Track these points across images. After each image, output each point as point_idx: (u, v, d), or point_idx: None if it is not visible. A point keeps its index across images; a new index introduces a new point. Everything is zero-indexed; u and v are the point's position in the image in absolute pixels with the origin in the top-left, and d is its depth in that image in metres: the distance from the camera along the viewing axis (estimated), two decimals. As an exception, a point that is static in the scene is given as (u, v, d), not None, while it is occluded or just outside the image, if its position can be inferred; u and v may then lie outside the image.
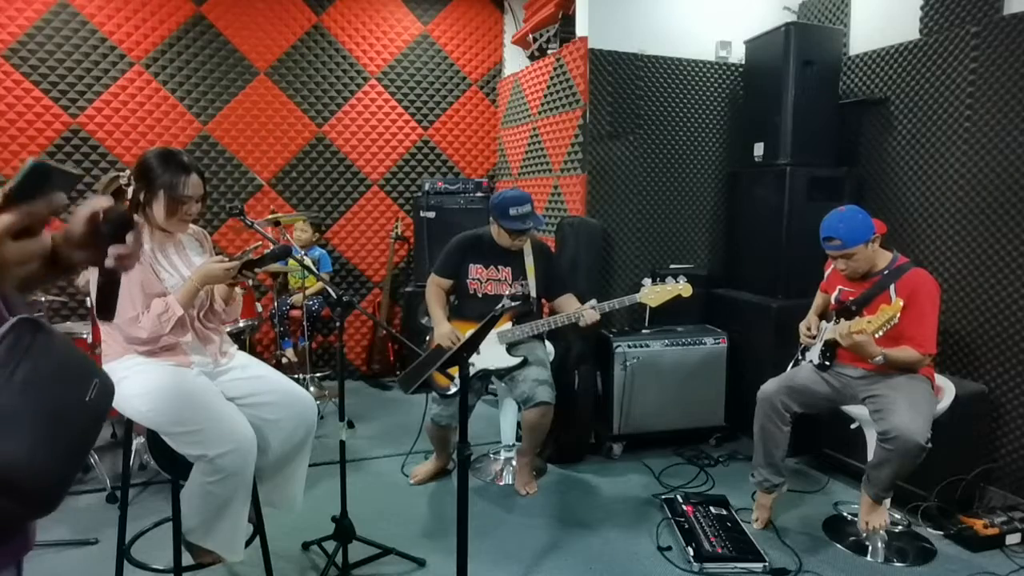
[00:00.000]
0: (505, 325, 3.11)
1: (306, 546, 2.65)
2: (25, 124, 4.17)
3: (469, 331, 1.98)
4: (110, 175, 2.24)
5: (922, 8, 3.43)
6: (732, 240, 4.11)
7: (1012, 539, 2.68)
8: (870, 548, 2.66)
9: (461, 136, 5.27)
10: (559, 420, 3.20)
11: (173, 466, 2.14)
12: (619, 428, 3.54)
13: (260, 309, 4.17)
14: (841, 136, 3.76)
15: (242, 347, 3.17)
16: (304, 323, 4.20)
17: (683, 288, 2.98)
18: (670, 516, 2.88)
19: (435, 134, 5.19)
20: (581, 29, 3.88)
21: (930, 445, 2.41)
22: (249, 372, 2.36)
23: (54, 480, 0.83)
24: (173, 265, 2.25)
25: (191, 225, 2.34)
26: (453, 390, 3.01)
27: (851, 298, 2.74)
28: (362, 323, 5.15)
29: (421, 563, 2.55)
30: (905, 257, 2.73)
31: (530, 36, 4.65)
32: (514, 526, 2.89)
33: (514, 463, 3.35)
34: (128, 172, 2.22)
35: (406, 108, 5.08)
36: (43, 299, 3.53)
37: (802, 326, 2.92)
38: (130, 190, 2.19)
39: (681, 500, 2.98)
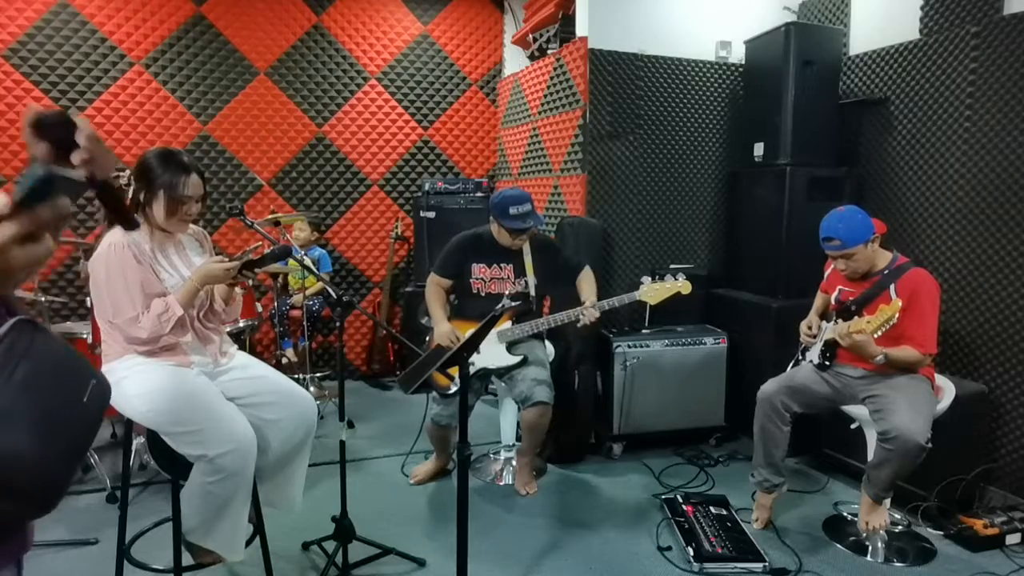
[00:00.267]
0: (505, 324, 3.11)
1: (306, 546, 2.65)
2: (25, 124, 4.16)
3: (469, 331, 1.98)
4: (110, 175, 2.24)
5: (922, 8, 3.43)
6: (732, 240, 4.11)
7: (1012, 539, 2.68)
8: (870, 548, 2.66)
9: (461, 136, 5.27)
10: (559, 420, 3.20)
11: (173, 466, 2.14)
12: (619, 428, 3.54)
13: (260, 309, 4.17)
14: (841, 136, 3.76)
15: (242, 347, 3.17)
16: (304, 323, 4.20)
17: (682, 286, 2.98)
18: (670, 516, 2.88)
19: (435, 134, 5.20)
20: (581, 29, 3.88)
21: (930, 445, 2.41)
22: (249, 372, 2.36)
23: (53, 480, 0.83)
24: (173, 265, 2.25)
25: (191, 225, 2.34)
26: (453, 390, 3.01)
27: (851, 298, 2.74)
28: (362, 323, 5.15)
29: (421, 563, 2.55)
30: (905, 257, 2.73)
31: (530, 36, 4.65)
32: (514, 526, 2.89)
33: (514, 463, 3.35)
34: (128, 172, 2.23)
35: (406, 108, 5.08)
36: (43, 299, 3.53)
37: (802, 326, 2.92)
38: (130, 190, 2.20)
39: (681, 500, 2.98)
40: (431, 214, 4.70)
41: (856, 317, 2.62)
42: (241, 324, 3.80)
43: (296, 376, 3.99)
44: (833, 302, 2.84)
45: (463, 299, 3.26)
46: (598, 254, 3.76)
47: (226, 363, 2.34)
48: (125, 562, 2.28)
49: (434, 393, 3.13)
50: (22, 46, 4.11)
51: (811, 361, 2.85)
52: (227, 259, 2.21)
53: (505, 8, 5.25)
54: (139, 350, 2.15)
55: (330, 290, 2.53)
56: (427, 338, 3.21)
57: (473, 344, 1.94)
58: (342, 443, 2.43)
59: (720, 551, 2.59)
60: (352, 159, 5.00)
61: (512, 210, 3.02)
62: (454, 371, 2.83)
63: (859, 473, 2.79)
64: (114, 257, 2.08)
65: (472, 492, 2.90)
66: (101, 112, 4.32)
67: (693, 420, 3.67)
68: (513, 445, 3.42)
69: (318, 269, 4.42)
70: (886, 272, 2.67)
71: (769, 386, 2.81)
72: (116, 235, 2.12)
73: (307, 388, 3.93)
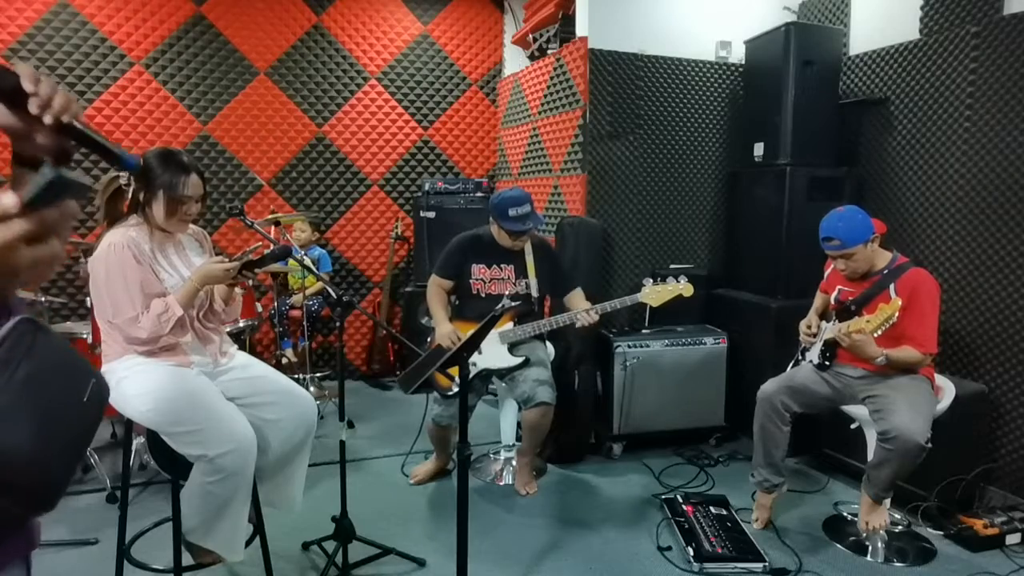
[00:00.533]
0: (507, 325, 3.11)
1: (306, 546, 2.65)
2: (25, 124, 4.16)
3: (470, 331, 1.98)
4: (110, 175, 2.24)
5: (922, 8, 3.43)
6: (732, 240, 4.11)
7: (1012, 539, 2.68)
8: (870, 548, 2.66)
9: (461, 136, 5.27)
10: (559, 420, 3.20)
11: (173, 466, 2.14)
12: (619, 428, 3.54)
13: (260, 309, 4.17)
14: (841, 136, 3.76)
15: (242, 347, 3.17)
16: (304, 323, 4.20)
17: (684, 288, 2.98)
18: (670, 516, 2.88)
19: (435, 134, 5.20)
20: (581, 29, 3.88)
21: (930, 445, 2.41)
22: (249, 372, 2.36)
23: (52, 478, 0.83)
24: (173, 265, 2.25)
25: (191, 225, 2.34)
26: (454, 390, 3.01)
27: (851, 298, 2.75)
28: (362, 323, 5.15)
29: (421, 563, 2.55)
30: (905, 257, 2.73)
31: (530, 36, 4.65)
32: (514, 526, 2.89)
33: (514, 463, 3.35)
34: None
35: (406, 108, 5.08)
36: (43, 299, 3.52)
37: (802, 325, 2.92)
38: (130, 190, 2.20)
39: (681, 500, 2.98)
40: (431, 214, 4.70)
41: (855, 317, 2.63)
42: (241, 324, 3.80)
43: (296, 376, 3.99)
44: (833, 302, 2.84)
45: (463, 300, 3.26)
46: (598, 254, 3.76)
47: (226, 363, 2.34)
48: (125, 562, 2.28)
49: (434, 393, 3.13)
50: (22, 46, 4.11)
51: (811, 361, 2.85)
52: (227, 259, 2.21)
53: (505, 8, 5.25)
54: (139, 350, 2.15)
55: (330, 290, 2.53)
56: (428, 339, 3.22)
57: (473, 344, 1.94)
58: (342, 443, 2.43)
59: (720, 551, 2.59)
60: (352, 159, 5.00)
61: (511, 211, 3.02)
62: (455, 371, 2.83)
63: (859, 473, 2.79)
64: (114, 257, 2.08)
65: (472, 492, 2.91)
66: (101, 112, 4.32)
67: (693, 420, 3.67)
68: (513, 445, 3.43)
69: (318, 269, 4.42)
70: (886, 272, 2.67)
71: (769, 386, 2.81)
72: (116, 235, 2.12)
73: (307, 388, 3.93)
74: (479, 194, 4.82)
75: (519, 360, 3.07)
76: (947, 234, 3.28)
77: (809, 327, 2.90)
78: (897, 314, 2.41)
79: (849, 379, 2.74)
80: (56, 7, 4.15)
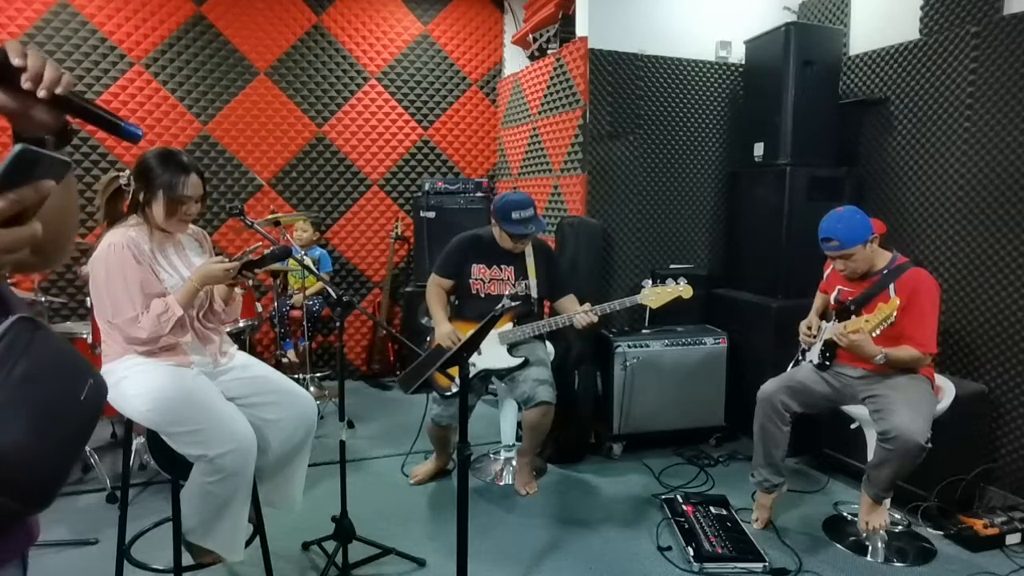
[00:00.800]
0: (507, 325, 3.11)
1: (306, 546, 2.65)
2: (25, 124, 4.16)
3: (470, 331, 1.98)
4: (110, 175, 2.24)
5: (922, 8, 3.43)
6: (732, 240, 4.11)
7: (1012, 539, 2.68)
8: (870, 548, 2.66)
9: (461, 136, 5.27)
10: (559, 420, 3.20)
11: (173, 466, 2.14)
12: (619, 428, 3.54)
13: (260, 309, 4.17)
14: (841, 136, 3.76)
15: (242, 347, 3.17)
16: (304, 323, 4.20)
17: (684, 290, 2.98)
18: (670, 516, 2.88)
19: (435, 134, 5.20)
20: (581, 29, 3.88)
21: (930, 445, 2.41)
22: (249, 372, 2.36)
23: (49, 476, 0.83)
24: (173, 265, 2.25)
25: (191, 225, 2.35)
26: (454, 390, 3.01)
27: (850, 298, 2.74)
28: (362, 323, 5.15)
29: (421, 563, 2.55)
30: (905, 257, 2.73)
31: (530, 36, 4.65)
32: (514, 526, 2.89)
33: (514, 463, 3.35)
34: (128, 172, 2.22)
35: (406, 108, 5.09)
36: (43, 299, 3.53)
37: (802, 326, 2.92)
38: (130, 190, 2.20)
39: (681, 500, 2.98)
40: (431, 214, 4.70)
41: (855, 317, 2.62)
42: (241, 324, 3.80)
43: (296, 376, 3.99)
44: (832, 302, 2.84)
45: (463, 300, 3.26)
46: (598, 254, 3.76)
47: (226, 363, 2.34)
48: (125, 562, 2.28)
49: (434, 393, 3.13)
50: (22, 46, 4.10)
51: (811, 361, 2.85)
52: (227, 259, 2.21)
53: (505, 8, 5.25)
54: (139, 350, 2.15)
55: (330, 290, 2.53)
56: (428, 339, 3.22)
57: (473, 344, 1.94)
58: (342, 443, 2.43)
59: (720, 551, 2.59)
60: (352, 159, 5.00)
61: (515, 215, 3.02)
62: (455, 371, 2.83)
63: (859, 473, 2.79)
64: (113, 257, 2.08)
65: (472, 492, 2.90)
66: (101, 112, 4.31)
67: (693, 420, 3.67)
68: (513, 445, 3.42)
69: (318, 269, 4.42)
70: (885, 272, 2.67)
71: (769, 386, 2.81)
72: (116, 235, 2.12)
73: (307, 388, 3.93)
74: (479, 194, 4.82)
75: (518, 361, 3.07)
76: (947, 234, 3.28)
77: (809, 328, 2.90)
78: (895, 314, 2.41)
79: (849, 379, 2.74)
80: (56, 7, 4.15)
